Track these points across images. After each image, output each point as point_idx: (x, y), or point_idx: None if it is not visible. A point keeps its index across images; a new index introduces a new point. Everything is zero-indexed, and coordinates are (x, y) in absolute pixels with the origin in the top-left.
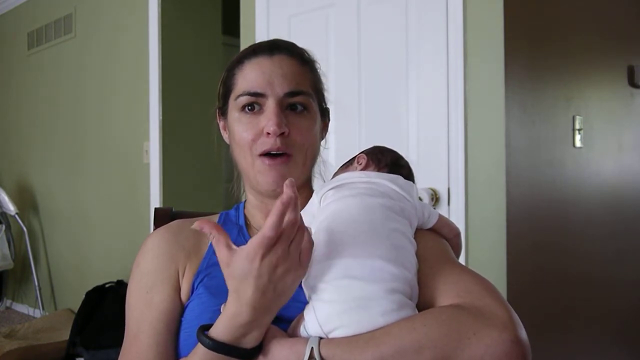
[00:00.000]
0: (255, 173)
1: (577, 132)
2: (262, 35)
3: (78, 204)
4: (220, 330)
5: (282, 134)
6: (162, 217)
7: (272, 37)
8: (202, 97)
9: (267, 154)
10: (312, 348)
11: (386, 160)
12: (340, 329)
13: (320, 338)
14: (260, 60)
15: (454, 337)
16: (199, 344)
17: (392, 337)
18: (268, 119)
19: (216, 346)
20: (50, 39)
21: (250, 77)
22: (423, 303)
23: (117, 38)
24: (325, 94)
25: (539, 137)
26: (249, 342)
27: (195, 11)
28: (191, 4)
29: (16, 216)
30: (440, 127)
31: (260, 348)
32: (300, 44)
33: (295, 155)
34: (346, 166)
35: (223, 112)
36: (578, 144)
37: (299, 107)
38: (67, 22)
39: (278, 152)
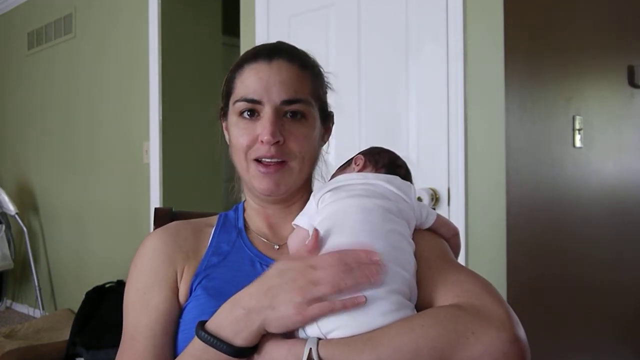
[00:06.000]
0: (250, 177)
1: (577, 132)
2: (262, 35)
3: (78, 204)
4: (216, 323)
5: (276, 142)
6: (162, 217)
7: (272, 37)
8: (202, 97)
9: (261, 160)
10: (311, 349)
11: (384, 161)
12: (339, 330)
13: (319, 339)
14: (258, 66)
15: (453, 337)
16: (194, 338)
17: (390, 338)
18: (263, 127)
19: (211, 340)
20: (50, 39)
21: (248, 82)
22: (422, 303)
23: (117, 38)
24: (328, 99)
25: (539, 137)
26: (243, 339)
27: (195, 11)
28: (191, 4)
29: (16, 216)
30: (440, 127)
31: (254, 348)
32: (300, 44)
33: (290, 162)
34: (343, 167)
35: (225, 112)
36: (578, 144)
37: (297, 115)
38: (67, 22)
39: (272, 160)
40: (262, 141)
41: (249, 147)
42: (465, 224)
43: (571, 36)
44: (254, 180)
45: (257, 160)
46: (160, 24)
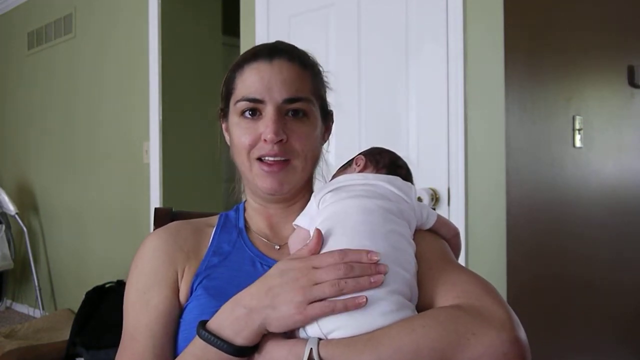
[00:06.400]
0: (253, 177)
1: (577, 132)
2: (262, 35)
3: (78, 204)
4: (217, 323)
5: (280, 141)
6: (162, 217)
7: (272, 37)
8: (202, 97)
9: (264, 159)
10: (311, 349)
11: (384, 161)
12: (340, 330)
13: (319, 339)
14: (259, 65)
15: (453, 338)
16: (195, 337)
17: (390, 338)
18: (266, 126)
19: (211, 339)
20: (50, 39)
21: (249, 82)
22: (422, 304)
23: (117, 38)
24: (328, 98)
25: (539, 137)
26: (244, 339)
27: (195, 11)
28: (191, 4)
29: (16, 216)
30: (440, 127)
31: (255, 348)
32: (300, 44)
33: (293, 161)
34: (344, 168)
35: (225, 113)
36: (578, 144)
37: (299, 113)
38: (67, 22)
39: (276, 158)
40: (265, 140)
41: (252, 146)
42: (465, 224)
43: (571, 36)
44: (258, 180)
45: (260, 160)
46: (160, 24)
